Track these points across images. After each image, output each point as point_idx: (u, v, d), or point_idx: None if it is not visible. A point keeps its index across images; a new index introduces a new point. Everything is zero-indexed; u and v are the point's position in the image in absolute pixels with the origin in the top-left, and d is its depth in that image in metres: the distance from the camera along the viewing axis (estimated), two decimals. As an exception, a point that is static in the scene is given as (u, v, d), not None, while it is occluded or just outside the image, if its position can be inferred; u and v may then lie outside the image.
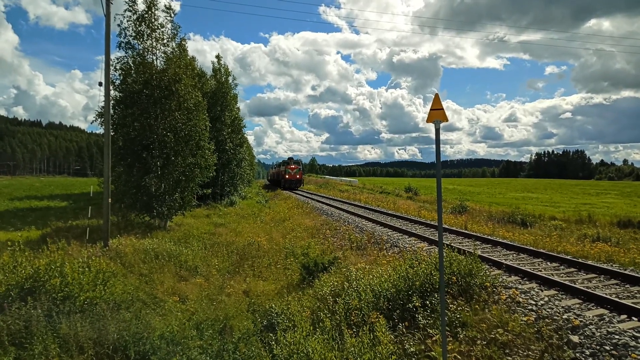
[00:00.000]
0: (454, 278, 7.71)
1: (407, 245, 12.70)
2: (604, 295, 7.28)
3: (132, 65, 18.22)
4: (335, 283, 8.87)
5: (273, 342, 6.14)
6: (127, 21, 18.06)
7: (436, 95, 6.97)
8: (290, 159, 57.06)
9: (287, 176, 52.51)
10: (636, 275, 8.72)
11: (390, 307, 7.33)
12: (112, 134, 17.15)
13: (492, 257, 10.58)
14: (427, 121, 6.72)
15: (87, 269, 8.64)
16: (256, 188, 60.71)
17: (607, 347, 5.51)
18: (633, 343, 5.53)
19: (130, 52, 18.32)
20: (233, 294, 9.36)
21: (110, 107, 14.82)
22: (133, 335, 6.36)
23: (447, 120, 6.58)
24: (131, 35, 18.17)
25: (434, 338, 6.28)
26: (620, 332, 5.87)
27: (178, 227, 18.33)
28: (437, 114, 6.35)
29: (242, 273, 11.36)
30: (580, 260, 10.42)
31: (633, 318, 6.45)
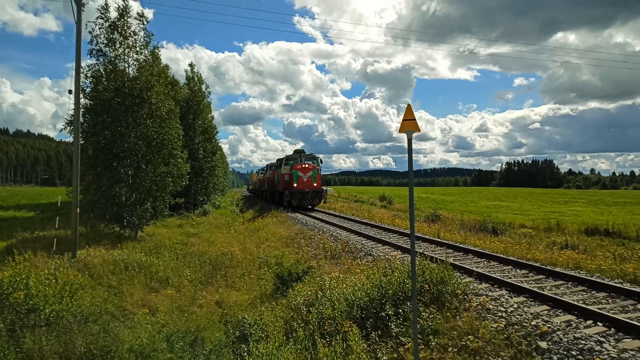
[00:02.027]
0: (427, 286, 7.77)
1: (380, 254, 12.76)
2: (572, 302, 7.44)
3: (103, 72, 17.91)
4: (309, 293, 8.84)
5: (245, 354, 6.08)
6: (99, 28, 17.78)
7: (408, 106, 7.06)
8: (299, 151, 32.79)
9: (294, 184, 29.56)
10: (602, 281, 8.95)
11: (363, 316, 7.34)
12: (81, 142, 16.77)
13: (463, 265, 10.72)
14: (400, 131, 6.80)
15: (54, 280, 8.41)
16: (230, 197, 59.97)
17: (574, 352, 5.63)
18: (598, 347, 5.66)
19: (101, 60, 18.02)
20: (205, 305, 9.23)
21: (80, 115, 14.55)
22: (101, 348, 6.20)
23: (419, 131, 6.66)
24: (103, 43, 17.89)
25: (406, 346, 6.31)
26: (586, 337, 6.00)
27: (149, 238, 18.01)
28: (409, 124, 6.43)
29: (214, 283, 11.22)
30: (548, 267, 10.65)
31: (598, 323, 6.60)
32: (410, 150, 6.29)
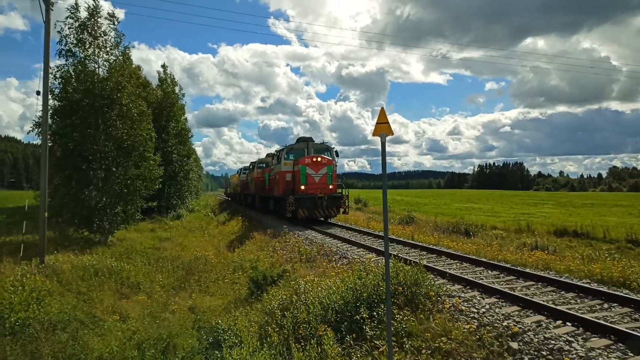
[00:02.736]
0: (400, 288, 7.81)
1: (355, 257, 12.78)
2: (542, 302, 7.59)
3: (72, 73, 17.55)
4: (284, 296, 8.79)
5: (219, 360, 6.00)
6: (69, 28, 17.43)
7: (382, 110, 7.09)
8: (306, 140, 23.93)
9: (302, 186, 21.36)
10: (571, 282, 9.16)
11: (338, 319, 7.33)
12: (50, 144, 16.39)
13: (436, 267, 10.82)
14: (373, 134, 6.82)
15: (20, 287, 8.17)
16: (205, 201, 59.20)
17: (544, 353, 5.73)
18: (567, 347, 5.78)
19: (71, 60, 17.69)
20: (178, 311, 9.08)
21: (49, 117, 14.20)
22: (69, 357, 6.05)
23: (392, 134, 6.70)
24: (72, 43, 17.55)
25: (380, 349, 6.32)
26: (556, 337, 6.12)
27: (120, 242, 17.66)
28: (382, 128, 6.47)
29: (187, 289, 11.06)
30: (519, 268, 10.83)
31: (567, 323, 6.75)
32: (383, 153, 6.32)
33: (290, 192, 21.67)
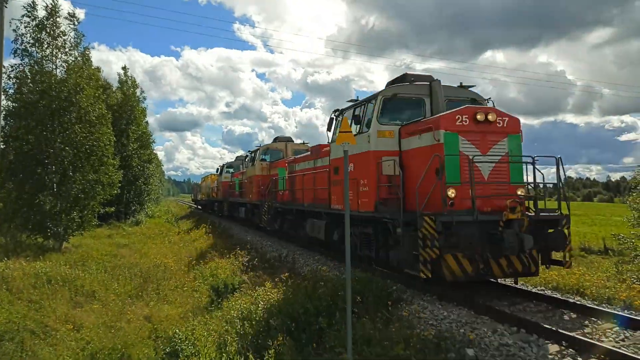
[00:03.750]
0: (359, 297, 7.88)
1: (317, 265, 12.81)
2: (498, 308, 7.76)
3: (28, 73, 16.96)
4: (245, 305, 8.73)
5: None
6: (25, 27, 16.84)
7: (344, 119, 7.18)
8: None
9: (451, 192, 7.59)
10: (526, 289, 9.41)
11: (298, 328, 7.34)
12: (2, 147, 15.81)
13: (396, 273, 10.91)
14: (337, 143, 6.90)
15: (-35, 296, 7.79)
16: (165, 207, 57.84)
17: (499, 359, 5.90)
18: (521, 353, 5.97)
19: (27, 60, 17.07)
20: (134, 320, 8.85)
21: (1, 118, 13.69)
22: (16, 369, 5.80)
23: (355, 143, 6.81)
24: (29, 42, 16.95)
25: (340, 357, 6.36)
26: (511, 344, 6.30)
27: (75, 249, 17.09)
28: (345, 137, 6.57)
29: (145, 297, 10.80)
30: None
31: (522, 330, 6.92)
32: (346, 162, 6.42)
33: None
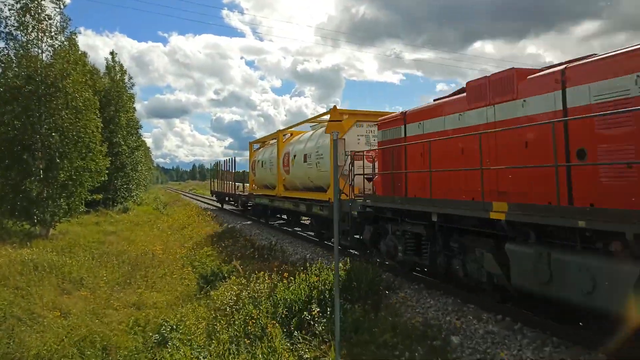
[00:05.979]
0: (354, 284, 7.96)
1: (307, 254, 12.87)
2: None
3: (13, 57, 16.67)
4: (234, 293, 8.74)
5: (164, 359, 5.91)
6: (9, 10, 16.50)
7: (334, 108, 7.17)
8: None
9: None
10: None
11: (288, 315, 7.38)
12: (-14, 132, 15.57)
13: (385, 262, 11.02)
14: (326, 132, 6.89)
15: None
16: (154, 194, 57.33)
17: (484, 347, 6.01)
18: (506, 341, 6.09)
19: (11, 44, 16.77)
20: (121, 308, 8.83)
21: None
22: (3, 355, 5.78)
23: (343, 132, 6.80)
24: (13, 26, 16.62)
25: (329, 344, 6.42)
26: (495, 332, 6.42)
27: (62, 236, 16.96)
28: (334, 126, 6.57)
29: (133, 284, 10.75)
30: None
31: (507, 318, 7.04)
32: (335, 149, 6.42)
33: None
